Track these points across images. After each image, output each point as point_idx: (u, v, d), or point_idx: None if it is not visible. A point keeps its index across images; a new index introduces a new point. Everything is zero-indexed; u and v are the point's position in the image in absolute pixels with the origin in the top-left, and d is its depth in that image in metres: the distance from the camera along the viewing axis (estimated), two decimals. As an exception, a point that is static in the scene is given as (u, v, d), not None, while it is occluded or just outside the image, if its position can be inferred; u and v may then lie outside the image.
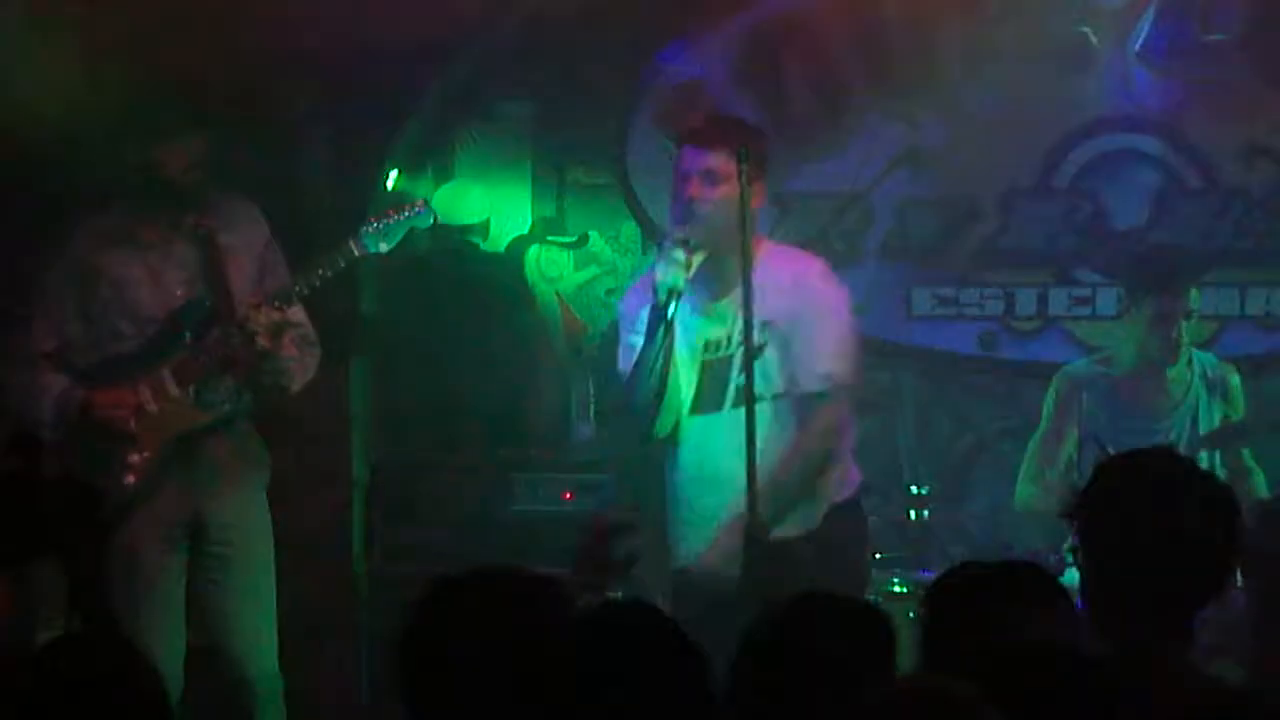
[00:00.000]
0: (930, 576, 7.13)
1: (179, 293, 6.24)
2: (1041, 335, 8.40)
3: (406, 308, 8.33)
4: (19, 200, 7.04)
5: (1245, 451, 7.51)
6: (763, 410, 5.70)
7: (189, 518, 6.21)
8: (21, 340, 6.28)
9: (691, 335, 5.94)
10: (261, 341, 6.05)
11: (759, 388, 5.69)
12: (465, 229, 8.47)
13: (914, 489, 7.55)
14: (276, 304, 6.10)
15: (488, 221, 8.51)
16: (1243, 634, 6.57)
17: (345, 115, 7.74)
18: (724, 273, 5.84)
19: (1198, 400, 7.55)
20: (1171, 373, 7.55)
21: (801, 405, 5.88)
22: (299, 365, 6.32)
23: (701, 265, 5.77)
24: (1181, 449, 7.41)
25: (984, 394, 8.35)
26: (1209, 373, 7.61)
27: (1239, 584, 6.71)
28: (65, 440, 6.05)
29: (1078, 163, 8.36)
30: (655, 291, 5.72)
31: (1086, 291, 8.36)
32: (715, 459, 5.84)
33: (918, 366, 8.40)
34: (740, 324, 5.65)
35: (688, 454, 5.94)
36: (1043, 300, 8.38)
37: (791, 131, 8.27)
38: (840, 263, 8.27)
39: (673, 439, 5.97)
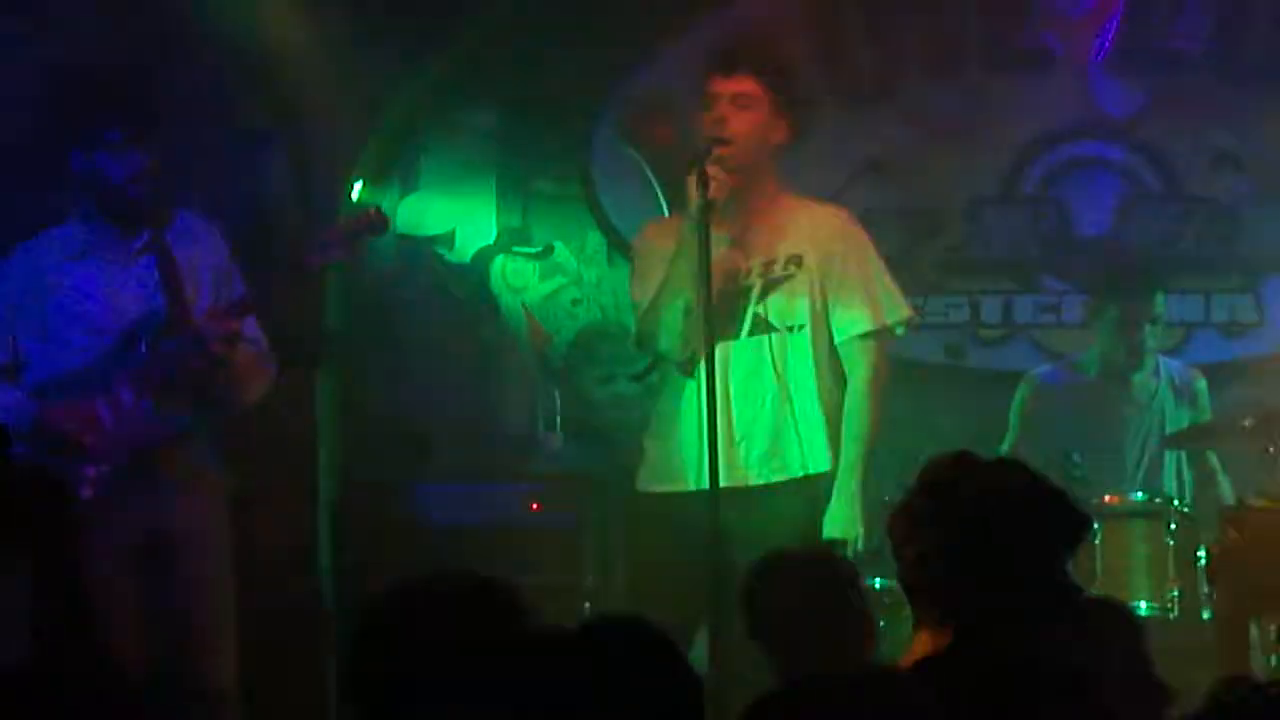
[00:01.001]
0: (897, 584, 7.18)
1: (134, 305, 6.20)
2: (1008, 343, 8.40)
3: (372, 320, 8.31)
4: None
5: (1211, 455, 7.52)
6: (780, 340, 5.78)
7: (146, 531, 6.17)
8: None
9: (712, 262, 5.87)
10: (215, 350, 6.03)
11: (779, 319, 5.78)
12: (430, 240, 8.46)
13: (882, 498, 7.54)
14: (230, 314, 6.08)
15: (453, 232, 8.50)
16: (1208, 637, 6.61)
17: (308, 127, 7.71)
18: (746, 202, 5.90)
19: (1164, 406, 7.56)
20: (1137, 379, 7.56)
21: (846, 348, 5.96)
22: (254, 375, 6.29)
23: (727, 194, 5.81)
24: (1148, 454, 7.45)
25: (951, 403, 8.35)
26: (1176, 378, 7.62)
27: (1207, 589, 6.78)
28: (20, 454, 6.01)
29: (1042, 170, 8.38)
30: (691, 205, 5.72)
31: (1053, 299, 8.37)
32: (733, 386, 5.86)
33: (884, 375, 8.39)
34: (764, 256, 5.84)
35: (713, 380, 5.80)
36: (1009, 308, 8.39)
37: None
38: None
39: (688, 365, 5.94)
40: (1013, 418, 7.65)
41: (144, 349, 6.15)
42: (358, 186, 8.11)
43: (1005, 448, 7.64)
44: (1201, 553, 6.84)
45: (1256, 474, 7.18)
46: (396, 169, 8.45)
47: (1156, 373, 7.59)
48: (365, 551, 7.70)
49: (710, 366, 5.49)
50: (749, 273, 5.94)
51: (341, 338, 8.12)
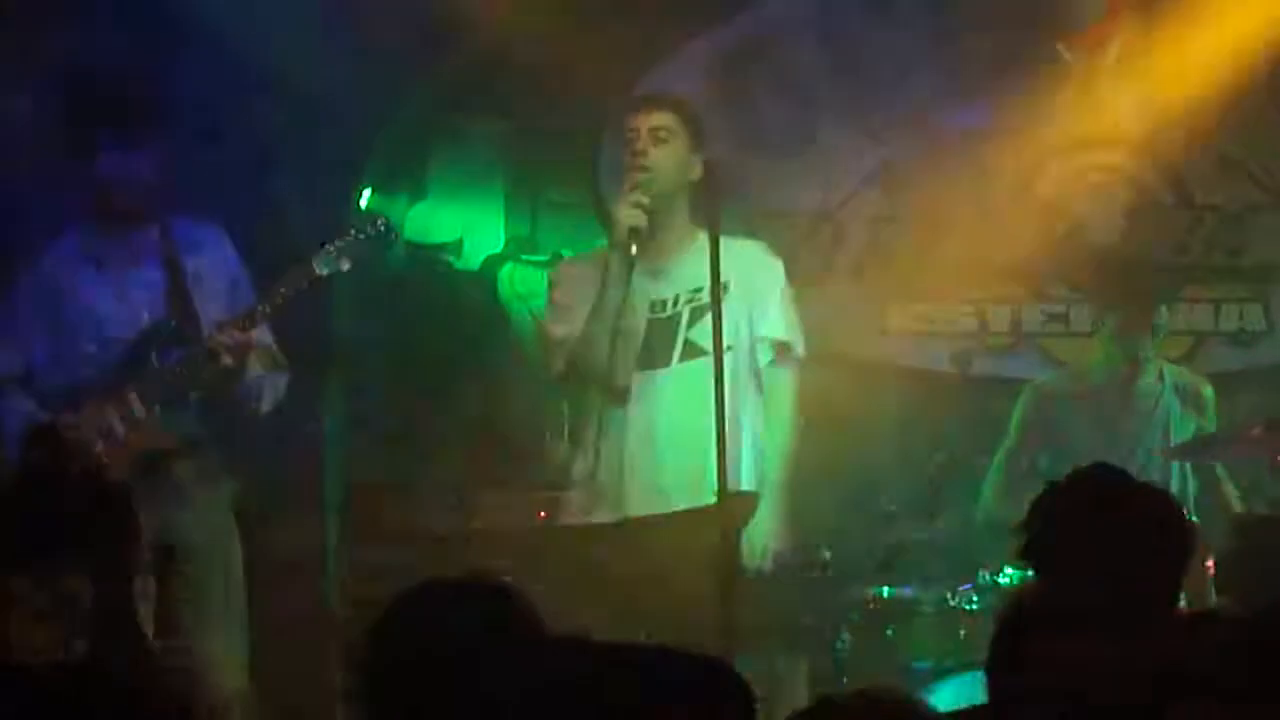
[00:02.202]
0: (909, 593, 7.18)
1: (145, 315, 6.22)
2: (1016, 352, 8.40)
3: (380, 327, 8.31)
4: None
5: (1218, 465, 7.51)
6: (707, 365, 5.80)
7: (155, 539, 6.18)
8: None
9: (634, 294, 6.05)
10: (226, 360, 6.04)
11: (707, 343, 5.83)
12: (439, 248, 8.47)
13: (888, 506, 7.54)
14: (241, 324, 6.09)
15: (461, 240, 8.51)
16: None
17: (317, 135, 7.72)
18: (666, 234, 6.04)
19: (1169, 413, 7.54)
20: (1141, 386, 7.54)
21: (767, 371, 6.11)
22: (267, 386, 6.31)
23: (647, 225, 5.97)
24: (1152, 463, 7.43)
25: (958, 411, 8.34)
26: (1180, 385, 7.59)
27: (1213, 599, 6.76)
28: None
29: (1052, 179, 8.37)
30: (615, 232, 5.93)
31: (1060, 308, 8.37)
32: (665, 412, 5.98)
33: (891, 384, 8.39)
34: (688, 286, 5.98)
35: (636, 409, 6.00)
36: (1016, 317, 8.38)
37: (764, 150, 8.28)
38: (813, 281, 8.30)
39: (621, 396, 6.03)
40: (1012, 425, 7.65)
41: (154, 359, 6.17)
42: (366, 194, 8.12)
43: (1001, 455, 7.63)
44: (1209, 562, 6.82)
45: (1265, 483, 7.18)
46: (405, 177, 8.45)
47: (1161, 379, 7.58)
48: (373, 558, 7.70)
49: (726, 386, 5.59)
50: (675, 301, 6.07)
51: (349, 344, 8.13)
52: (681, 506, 5.93)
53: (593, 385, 6.08)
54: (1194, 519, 7.02)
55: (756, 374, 6.10)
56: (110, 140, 6.15)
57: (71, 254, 6.29)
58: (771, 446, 6.06)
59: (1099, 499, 3.78)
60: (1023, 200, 8.38)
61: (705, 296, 5.87)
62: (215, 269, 6.35)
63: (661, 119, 6.07)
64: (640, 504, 5.94)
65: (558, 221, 8.57)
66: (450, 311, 8.40)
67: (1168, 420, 7.53)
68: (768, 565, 6.00)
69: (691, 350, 5.97)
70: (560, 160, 8.49)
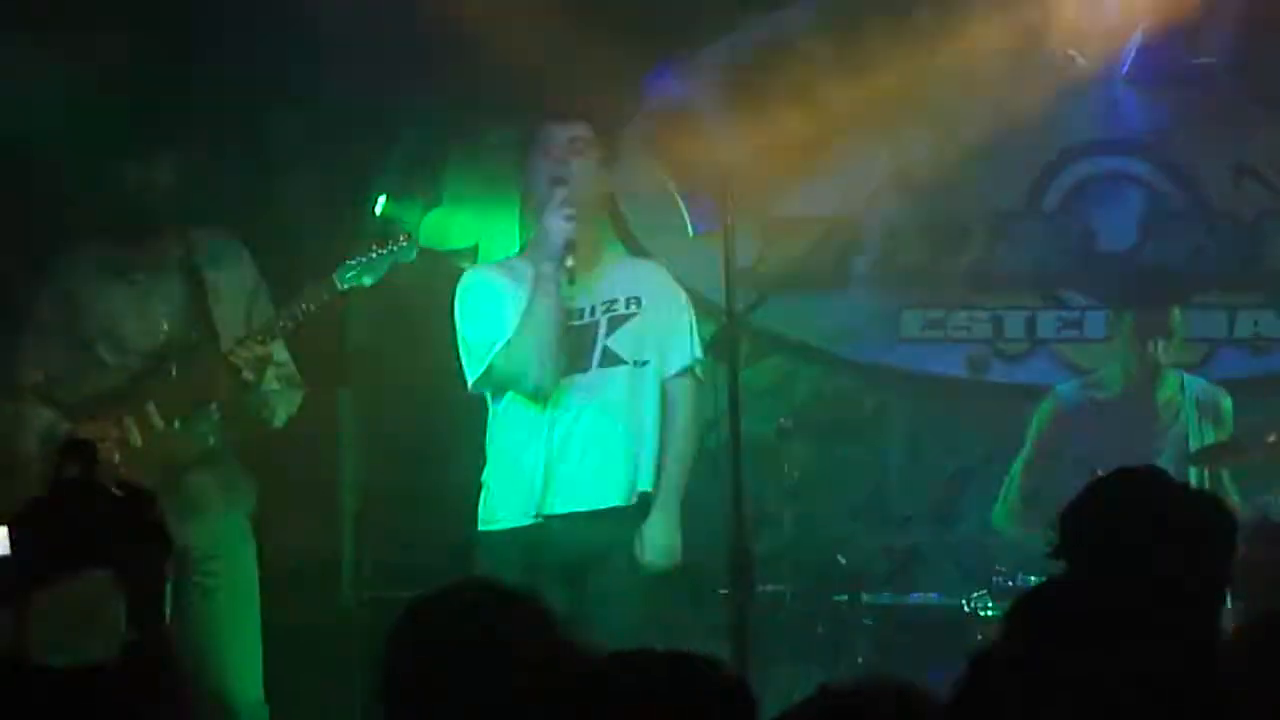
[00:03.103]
0: (918, 599, 7.18)
1: (165, 326, 6.24)
2: (1030, 358, 8.40)
3: (395, 334, 8.31)
4: (8, 230, 7.03)
5: (1224, 473, 7.50)
6: (624, 373, 6.09)
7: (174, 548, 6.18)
8: (8, 372, 6.27)
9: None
10: (246, 375, 6.06)
11: (625, 352, 6.08)
12: (454, 254, 8.46)
13: (902, 512, 7.55)
14: (260, 338, 6.11)
15: (476, 246, 8.50)
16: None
17: (333, 143, 7.73)
18: (583, 246, 6.15)
19: (1188, 423, 7.54)
20: (1161, 395, 7.54)
21: (672, 383, 6.19)
22: (282, 400, 6.34)
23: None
24: (1172, 471, 7.42)
25: (972, 417, 8.34)
26: (1200, 396, 7.60)
27: (1229, 604, 6.76)
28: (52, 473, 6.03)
29: (1066, 185, 8.38)
30: (548, 243, 6.06)
31: (1075, 314, 8.36)
32: (582, 416, 6.09)
33: (906, 390, 8.39)
34: (603, 296, 6.14)
35: (558, 413, 6.09)
36: (1031, 323, 8.38)
37: (778, 155, 8.28)
38: (828, 287, 8.31)
39: (543, 400, 6.13)
40: (1030, 434, 7.64)
41: (173, 371, 6.18)
42: (381, 201, 8.12)
43: (1020, 464, 7.63)
44: (1229, 570, 6.80)
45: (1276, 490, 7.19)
46: (420, 183, 8.46)
47: (1181, 389, 7.58)
48: (389, 564, 7.71)
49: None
50: (592, 310, 6.18)
51: (364, 352, 8.13)
52: (597, 505, 6.06)
53: (512, 390, 6.18)
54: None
55: (662, 386, 6.20)
56: (129, 149, 6.17)
57: (92, 264, 6.31)
58: (673, 453, 6.12)
59: (1142, 498, 3.77)
60: (1037, 206, 8.38)
61: (621, 308, 6.13)
62: (235, 282, 6.37)
63: (578, 129, 6.24)
64: (558, 503, 6.05)
65: (572, 227, 8.55)
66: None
67: (1187, 430, 7.53)
68: (666, 564, 6.07)
69: (610, 358, 6.11)
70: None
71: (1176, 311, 7.55)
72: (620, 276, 6.26)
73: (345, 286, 6.27)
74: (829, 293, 8.33)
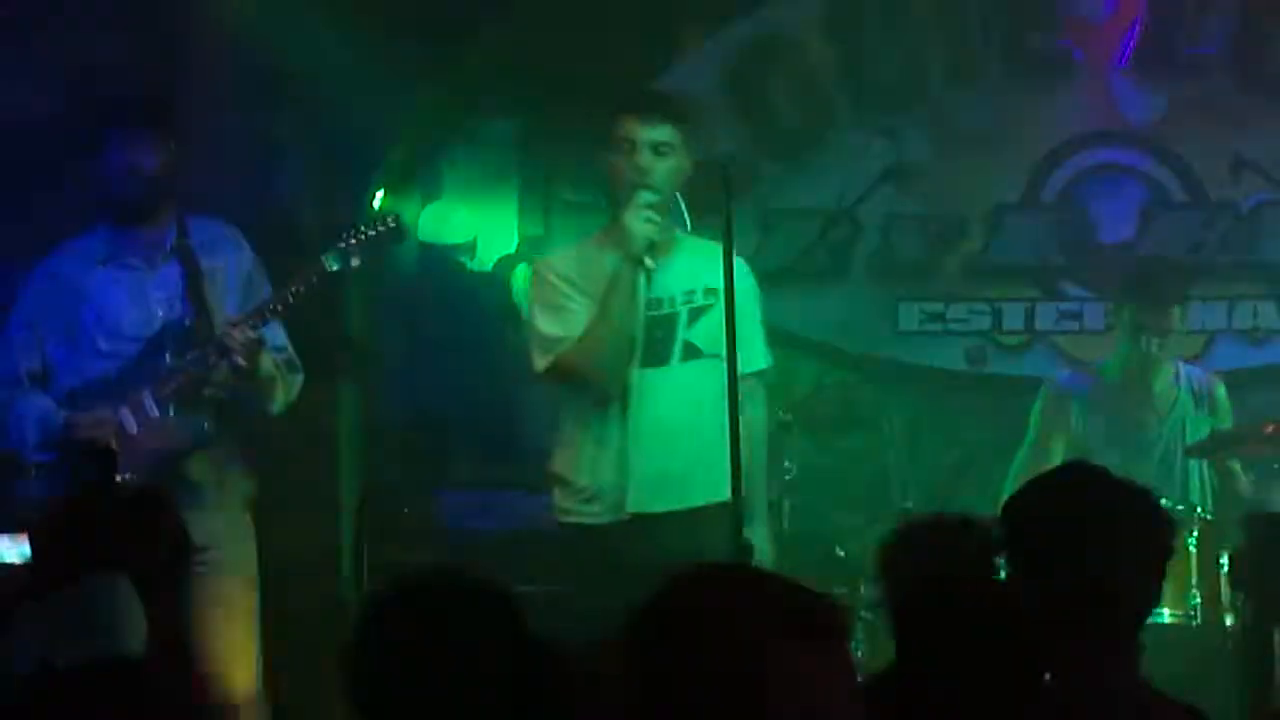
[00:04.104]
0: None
1: (160, 313, 6.23)
2: (1029, 350, 8.40)
3: (394, 327, 8.32)
4: (3, 219, 7.04)
5: (1234, 460, 7.51)
6: (706, 366, 5.95)
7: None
8: (5, 359, 6.27)
9: None
10: (238, 359, 6.05)
11: (704, 345, 5.97)
12: (453, 248, 8.47)
13: (902, 503, 7.55)
14: (252, 323, 6.09)
15: (475, 240, 8.51)
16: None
17: (331, 135, 7.73)
18: (665, 237, 6.07)
19: (1185, 413, 7.54)
20: (1158, 385, 7.54)
21: (747, 381, 6.01)
22: (280, 386, 6.32)
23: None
24: (1169, 461, 7.43)
25: (971, 409, 8.34)
26: (1196, 385, 7.59)
27: (1231, 597, 6.76)
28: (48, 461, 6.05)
29: (1064, 178, 8.38)
30: (630, 244, 5.94)
31: (1074, 306, 8.36)
32: (664, 411, 6.00)
33: (905, 382, 8.39)
34: (682, 287, 6.03)
35: (637, 408, 6.01)
36: (1030, 315, 8.38)
37: (777, 147, 8.29)
38: (826, 279, 8.31)
39: (620, 394, 6.05)
40: (1032, 424, 7.64)
41: (168, 358, 6.18)
42: (379, 195, 8.13)
43: (1021, 456, 7.62)
44: (1224, 559, 6.82)
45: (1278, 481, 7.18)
46: (418, 177, 8.46)
47: (1177, 379, 7.57)
48: (386, 557, 7.71)
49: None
50: (672, 301, 6.10)
51: (363, 345, 8.13)
52: (685, 504, 5.98)
53: (586, 383, 6.09)
54: (1210, 516, 7.04)
55: (737, 383, 6.01)
56: (117, 136, 6.17)
57: (87, 252, 6.30)
58: (755, 453, 6.08)
59: (1071, 497, 3.74)
60: (1036, 198, 8.38)
61: (699, 299, 6.03)
62: (231, 269, 6.36)
63: (663, 134, 6.07)
64: (643, 501, 5.97)
65: (571, 221, 8.55)
66: (464, 312, 8.40)
67: (1184, 420, 7.53)
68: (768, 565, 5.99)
69: (691, 351, 6.04)
70: (574, 159, 8.48)
71: (1177, 306, 7.54)
72: (696, 262, 6.10)
73: (334, 267, 6.24)
74: (828, 285, 8.33)
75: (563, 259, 6.36)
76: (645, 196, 5.97)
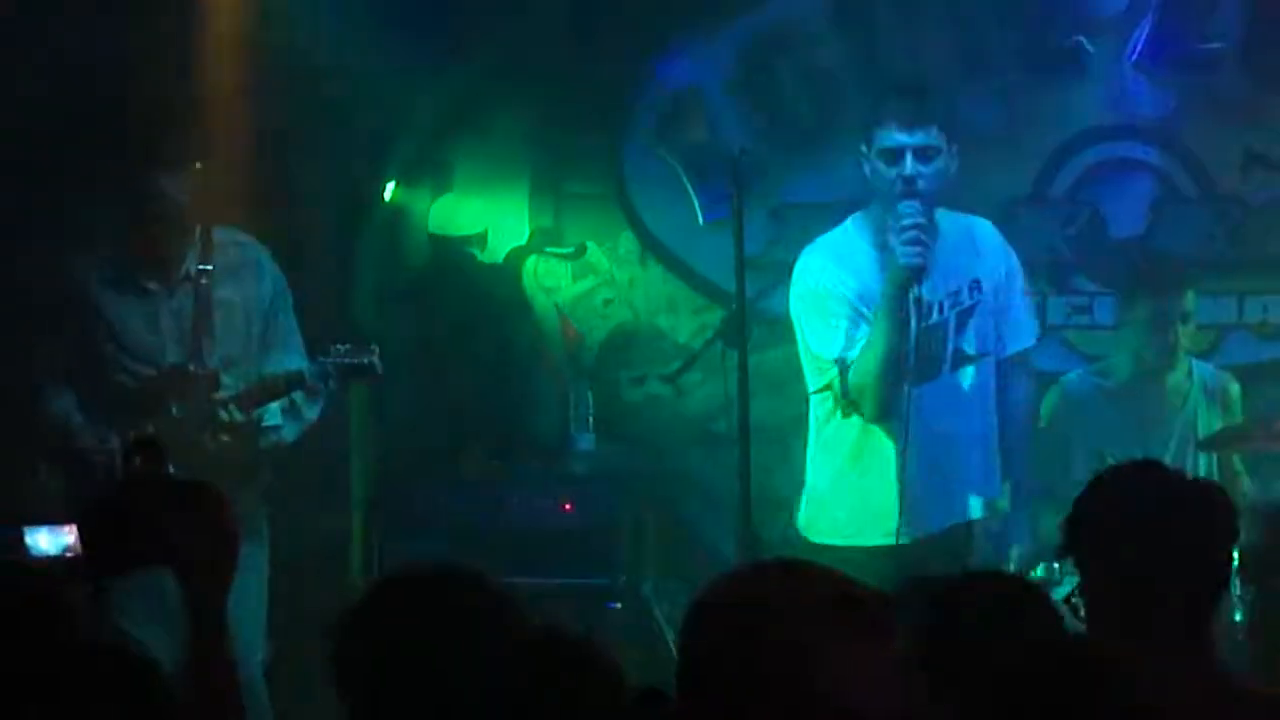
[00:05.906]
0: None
1: (170, 344, 6.24)
2: (1040, 344, 8.37)
3: (405, 320, 8.32)
4: (25, 229, 7.03)
5: (1235, 456, 7.50)
6: (973, 371, 5.87)
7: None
8: (25, 367, 6.31)
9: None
10: (223, 437, 6.10)
11: (971, 348, 5.86)
12: (463, 240, 8.47)
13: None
14: (241, 402, 6.17)
15: (485, 233, 8.51)
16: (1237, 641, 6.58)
17: (341, 129, 7.73)
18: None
19: (1197, 409, 7.53)
20: (1170, 382, 7.53)
21: (1009, 366, 5.99)
22: (288, 422, 6.36)
23: None
24: (1181, 457, 7.42)
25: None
26: (1208, 382, 7.59)
27: (1239, 590, 6.75)
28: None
29: (1075, 172, 8.37)
30: (898, 272, 5.71)
31: (1084, 300, 8.35)
32: (943, 423, 5.88)
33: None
34: (948, 287, 5.84)
35: (916, 423, 5.80)
36: (1041, 310, 8.37)
37: (787, 141, 8.28)
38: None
39: (890, 411, 5.86)
40: (1044, 420, 7.63)
41: (173, 411, 6.19)
42: (390, 187, 8.14)
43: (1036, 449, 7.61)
44: (1234, 554, 6.80)
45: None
46: (429, 170, 8.46)
47: (1189, 375, 7.57)
48: (398, 553, 7.71)
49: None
50: (940, 307, 5.93)
51: (374, 338, 8.13)
52: (952, 523, 5.91)
53: (856, 403, 5.90)
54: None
55: (999, 370, 6.04)
56: (145, 160, 6.17)
57: (107, 270, 6.30)
58: (1020, 451, 6.09)
59: (1144, 491, 3.77)
60: (1046, 192, 8.37)
61: (965, 298, 5.89)
62: (250, 301, 6.35)
63: (928, 137, 5.90)
64: (923, 520, 5.87)
65: (582, 213, 8.57)
66: (474, 304, 8.40)
67: (1196, 416, 7.52)
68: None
69: (960, 358, 5.89)
70: (584, 152, 8.49)
71: (1188, 296, 7.54)
72: (957, 255, 5.94)
73: (313, 383, 6.27)
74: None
75: (829, 268, 6.07)
76: (908, 211, 5.76)
